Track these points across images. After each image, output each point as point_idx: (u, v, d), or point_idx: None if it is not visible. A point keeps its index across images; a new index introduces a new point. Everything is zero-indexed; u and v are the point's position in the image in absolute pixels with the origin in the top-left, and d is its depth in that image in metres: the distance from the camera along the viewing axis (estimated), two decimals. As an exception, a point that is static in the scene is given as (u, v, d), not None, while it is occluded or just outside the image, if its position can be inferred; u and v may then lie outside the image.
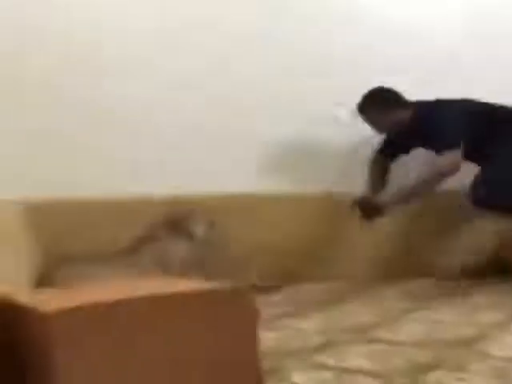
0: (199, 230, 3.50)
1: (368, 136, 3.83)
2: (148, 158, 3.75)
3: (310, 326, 2.73)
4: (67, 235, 3.43)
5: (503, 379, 1.95)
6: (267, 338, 2.29)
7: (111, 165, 3.65)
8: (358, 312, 3.01)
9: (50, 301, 1.80)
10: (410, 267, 3.86)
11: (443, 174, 3.43)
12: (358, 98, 3.65)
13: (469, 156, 3.53)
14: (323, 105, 3.95)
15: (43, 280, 2.99)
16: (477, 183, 3.47)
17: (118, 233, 3.43)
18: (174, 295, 1.88)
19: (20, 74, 3.56)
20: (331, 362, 2.16)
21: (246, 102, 3.89)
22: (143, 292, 1.91)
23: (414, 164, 3.82)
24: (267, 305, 3.10)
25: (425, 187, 3.51)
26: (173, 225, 3.48)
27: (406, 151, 3.85)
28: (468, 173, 3.51)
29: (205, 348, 1.85)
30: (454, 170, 3.42)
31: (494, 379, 1.95)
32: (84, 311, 1.68)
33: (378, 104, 3.63)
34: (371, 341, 2.46)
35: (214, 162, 3.84)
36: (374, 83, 3.67)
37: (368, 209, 3.54)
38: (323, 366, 2.11)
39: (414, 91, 3.66)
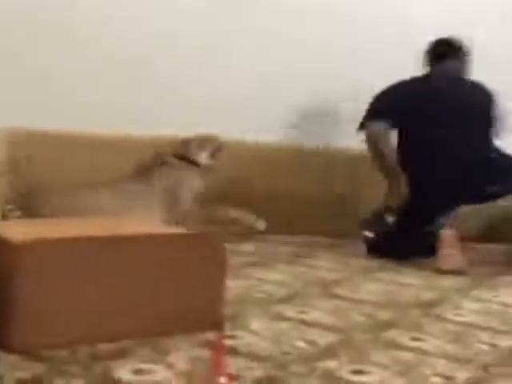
0: (203, 158, 3.53)
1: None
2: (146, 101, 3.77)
3: (276, 278, 2.76)
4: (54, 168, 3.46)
5: (457, 342, 2.01)
6: (233, 286, 2.31)
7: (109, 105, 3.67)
8: (324, 267, 3.06)
9: (21, 232, 1.82)
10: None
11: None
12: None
13: None
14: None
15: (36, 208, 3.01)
16: None
17: (112, 169, 3.46)
18: (142, 236, 1.91)
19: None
20: (291, 313, 2.20)
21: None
22: (114, 231, 1.94)
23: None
24: (237, 253, 3.13)
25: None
26: (180, 154, 3.51)
27: None
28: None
29: (170, 288, 1.89)
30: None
31: (448, 342, 2.01)
32: (52, 244, 1.70)
33: None
34: (334, 296, 2.50)
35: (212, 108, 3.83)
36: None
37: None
38: (283, 317, 2.15)
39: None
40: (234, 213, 3.46)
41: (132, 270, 1.82)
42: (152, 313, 1.85)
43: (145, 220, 2.74)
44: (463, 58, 3.64)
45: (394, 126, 3.41)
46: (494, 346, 2.01)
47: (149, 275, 1.85)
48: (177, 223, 3.11)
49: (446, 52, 3.63)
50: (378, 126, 3.37)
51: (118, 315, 1.79)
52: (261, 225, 3.47)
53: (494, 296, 2.69)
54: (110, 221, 2.19)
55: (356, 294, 2.58)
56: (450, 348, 1.95)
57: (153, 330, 1.84)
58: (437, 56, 3.63)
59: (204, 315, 1.93)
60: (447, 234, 3.16)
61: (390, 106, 3.44)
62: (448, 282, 2.91)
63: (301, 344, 1.88)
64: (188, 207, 3.37)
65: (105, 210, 3.07)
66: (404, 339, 2.00)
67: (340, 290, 2.61)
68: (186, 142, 3.55)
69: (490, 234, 3.76)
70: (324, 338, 1.95)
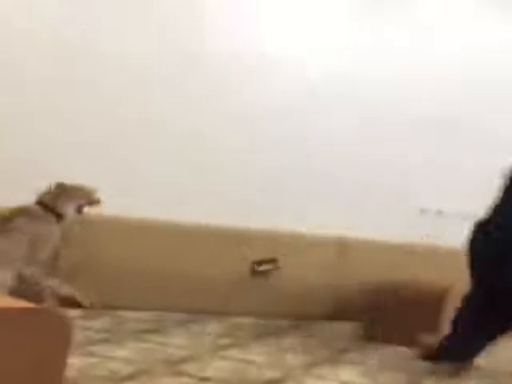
0: (70, 210, 3.41)
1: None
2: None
3: (122, 355, 2.73)
4: None
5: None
6: (77, 363, 2.28)
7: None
8: (172, 344, 3.05)
9: None
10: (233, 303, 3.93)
11: None
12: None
13: None
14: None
15: None
16: None
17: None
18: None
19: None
20: (132, 392, 2.19)
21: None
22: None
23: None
24: (86, 329, 3.08)
25: None
26: (45, 203, 3.37)
27: None
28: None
29: (8, 364, 1.83)
30: None
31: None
32: None
33: None
34: (179, 374, 2.50)
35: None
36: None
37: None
38: (124, 396, 2.14)
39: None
40: (65, 289, 3.34)
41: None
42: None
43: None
44: None
45: None
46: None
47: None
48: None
49: None
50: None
51: None
52: (86, 302, 3.42)
53: (335, 373, 2.79)
54: None
55: (203, 371, 2.59)
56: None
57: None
58: None
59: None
60: None
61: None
62: (291, 359, 2.98)
63: (141, 424, 1.87)
64: (43, 263, 3.27)
65: None
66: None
67: (187, 368, 2.61)
68: (54, 192, 3.43)
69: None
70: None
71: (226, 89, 4.23)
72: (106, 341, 2.98)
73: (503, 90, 4.54)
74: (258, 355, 2.99)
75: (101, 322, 3.35)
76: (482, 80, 4.53)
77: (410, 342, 3.36)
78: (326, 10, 4.45)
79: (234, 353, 3.00)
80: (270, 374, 2.68)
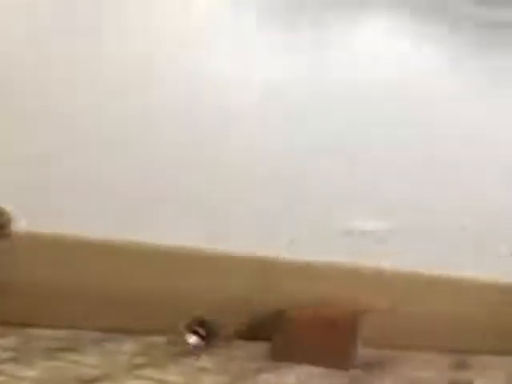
0: None
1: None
2: None
3: (32, 373, 2.63)
4: None
5: None
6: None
7: None
8: (86, 363, 2.95)
9: None
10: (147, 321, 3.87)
11: None
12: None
13: None
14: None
15: None
16: None
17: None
18: None
19: None
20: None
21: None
22: None
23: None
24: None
25: None
26: None
27: None
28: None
29: None
30: None
31: None
32: None
33: None
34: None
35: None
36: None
37: None
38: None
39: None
40: None
41: None
42: None
43: None
44: None
45: None
46: None
47: None
48: None
49: None
50: None
51: None
52: None
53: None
54: None
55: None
56: None
57: None
58: None
59: None
60: None
61: None
62: (207, 379, 2.94)
63: None
64: None
65: None
66: None
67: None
68: None
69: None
70: None
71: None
72: (14, 359, 2.86)
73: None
74: (173, 375, 2.94)
75: (9, 340, 3.23)
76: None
77: (322, 362, 3.39)
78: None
79: (149, 372, 2.94)
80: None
